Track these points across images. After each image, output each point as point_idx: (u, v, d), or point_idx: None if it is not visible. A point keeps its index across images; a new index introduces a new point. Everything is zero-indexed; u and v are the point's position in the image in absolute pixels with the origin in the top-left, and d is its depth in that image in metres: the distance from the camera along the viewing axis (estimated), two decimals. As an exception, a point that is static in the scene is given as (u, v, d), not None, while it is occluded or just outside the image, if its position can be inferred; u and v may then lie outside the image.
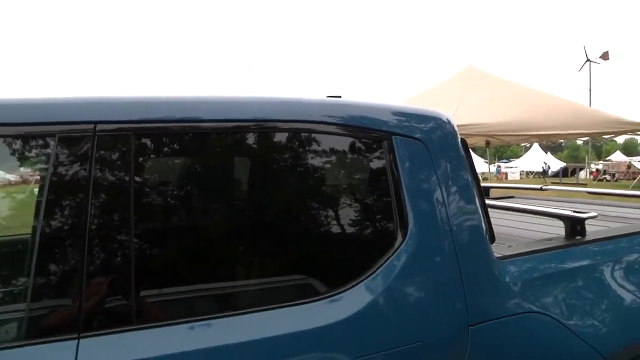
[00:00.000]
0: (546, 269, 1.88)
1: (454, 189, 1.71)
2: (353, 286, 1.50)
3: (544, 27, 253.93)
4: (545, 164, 40.57)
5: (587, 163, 42.28)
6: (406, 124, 1.72)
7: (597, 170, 38.95)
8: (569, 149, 69.98)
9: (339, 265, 1.60)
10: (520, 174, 42.59)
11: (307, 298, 1.47)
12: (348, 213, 1.63)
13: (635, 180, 28.91)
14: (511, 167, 45.12)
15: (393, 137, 1.67)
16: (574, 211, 2.15)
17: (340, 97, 1.80)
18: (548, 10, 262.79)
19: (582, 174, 39.23)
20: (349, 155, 1.68)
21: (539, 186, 3.74)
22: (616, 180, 34.75)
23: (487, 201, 2.57)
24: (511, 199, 3.91)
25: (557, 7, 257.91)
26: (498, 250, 1.87)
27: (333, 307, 1.46)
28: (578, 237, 2.08)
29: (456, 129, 1.83)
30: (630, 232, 2.22)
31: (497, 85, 8.28)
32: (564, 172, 37.06)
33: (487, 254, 1.73)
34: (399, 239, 1.59)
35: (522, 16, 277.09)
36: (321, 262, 1.60)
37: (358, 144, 1.66)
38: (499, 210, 2.70)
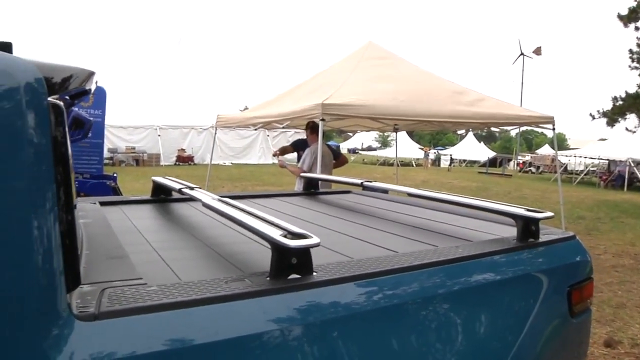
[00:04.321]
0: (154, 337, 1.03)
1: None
2: None
3: (482, 20, 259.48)
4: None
5: (515, 154, 43.19)
6: None
7: (524, 162, 39.81)
8: (502, 139, 71.48)
9: None
10: (452, 162, 43.00)
11: None
12: None
13: (556, 174, 29.45)
14: (445, 155, 45.60)
15: None
16: (286, 233, 1.30)
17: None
18: (488, 4, 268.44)
19: (511, 165, 40.11)
20: None
21: (359, 181, 3.05)
22: (540, 173, 35.54)
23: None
24: (345, 194, 3.23)
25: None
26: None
27: None
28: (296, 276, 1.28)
29: (37, 86, 1.01)
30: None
31: (393, 66, 7.56)
32: (492, 162, 37.53)
33: (28, 311, 0.91)
34: None
35: (462, 9, 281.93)
36: None
37: None
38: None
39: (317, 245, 1.28)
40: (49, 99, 1.02)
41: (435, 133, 62.00)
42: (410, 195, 2.61)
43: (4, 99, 0.93)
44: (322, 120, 5.93)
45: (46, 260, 0.95)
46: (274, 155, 7.15)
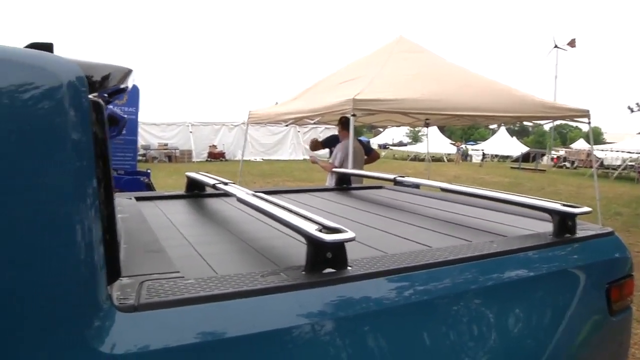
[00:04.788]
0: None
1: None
2: None
3: (515, 13, 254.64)
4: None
5: (549, 149, 42.37)
6: None
7: (558, 157, 39.01)
8: (535, 134, 70.15)
9: None
10: (484, 157, 42.44)
11: None
12: None
13: (592, 169, 28.77)
14: (477, 150, 45.02)
15: None
16: (322, 227, 1.29)
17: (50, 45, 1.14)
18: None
19: (545, 160, 39.33)
20: None
21: (392, 176, 3.03)
22: (575, 168, 34.76)
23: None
24: (378, 190, 3.21)
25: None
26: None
27: None
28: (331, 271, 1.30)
29: (79, 85, 1.04)
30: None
31: (423, 60, 7.50)
32: (525, 157, 36.84)
33: (68, 303, 0.94)
34: None
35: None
36: None
37: None
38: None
39: (352, 239, 1.28)
40: (90, 96, 1.05)
41: (467, 128, 61.18)
42: (443, 190, 2.58)
43: (48, 97, 0.95)
44: (354, 115, 5.92)
45: (88, 254, 0.97)
46: (312, 142, 7.27)
